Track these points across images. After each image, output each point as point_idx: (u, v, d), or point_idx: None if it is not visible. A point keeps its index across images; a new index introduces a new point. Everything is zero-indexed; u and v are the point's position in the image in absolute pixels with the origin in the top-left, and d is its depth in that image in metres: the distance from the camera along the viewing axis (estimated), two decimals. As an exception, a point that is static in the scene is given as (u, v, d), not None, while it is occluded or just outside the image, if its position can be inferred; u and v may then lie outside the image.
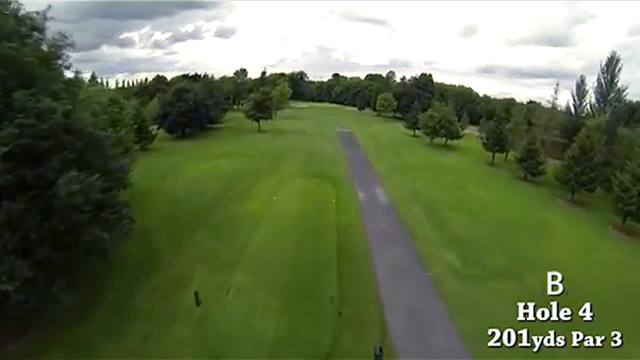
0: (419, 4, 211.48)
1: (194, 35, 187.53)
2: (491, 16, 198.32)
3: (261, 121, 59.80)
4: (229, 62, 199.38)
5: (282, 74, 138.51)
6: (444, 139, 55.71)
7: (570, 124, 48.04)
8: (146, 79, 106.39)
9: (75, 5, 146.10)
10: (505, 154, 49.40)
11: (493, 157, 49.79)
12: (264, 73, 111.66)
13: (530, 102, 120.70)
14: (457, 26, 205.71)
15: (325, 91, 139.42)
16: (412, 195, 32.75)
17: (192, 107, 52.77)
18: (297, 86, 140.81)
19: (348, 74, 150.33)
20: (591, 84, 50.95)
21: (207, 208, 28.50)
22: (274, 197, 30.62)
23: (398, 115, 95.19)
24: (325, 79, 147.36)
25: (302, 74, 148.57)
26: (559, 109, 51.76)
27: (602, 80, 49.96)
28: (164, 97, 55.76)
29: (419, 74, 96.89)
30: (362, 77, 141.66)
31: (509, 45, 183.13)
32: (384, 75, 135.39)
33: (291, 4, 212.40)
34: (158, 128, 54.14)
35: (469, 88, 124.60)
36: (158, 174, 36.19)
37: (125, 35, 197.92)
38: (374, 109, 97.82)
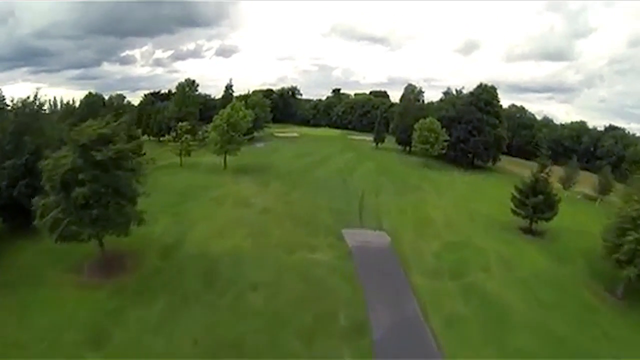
0: (418, 22, 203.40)
1: (195, 53, 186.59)
2: (491, 32, 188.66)
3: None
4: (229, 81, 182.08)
5: (268, 90, 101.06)
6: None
7: None
8: (73, 100, 65.70)
9: (78, 22, 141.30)
10: None
11: None
12: (228, 87, 71.42)
13: (611, 127, 79.65)
14: (457, 43, 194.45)
15: (322, 112, 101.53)
16: None
17: None
18: (286, 106, 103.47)
19: (349, 92, 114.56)
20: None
21: None
22: None
23: (453, 153, 54.94)
24: (323, 98, 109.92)
25: (293, 90, 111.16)
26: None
27: None
28: None
29: (473, 87, 58.82)
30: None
31: (508, 60, 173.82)
32: (388, 93, 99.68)
33: (292, 23, 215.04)
34: None
35: (522, 107, 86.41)
36: None
37: (126, 52, 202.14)
38: (404, 144, 59.48)
